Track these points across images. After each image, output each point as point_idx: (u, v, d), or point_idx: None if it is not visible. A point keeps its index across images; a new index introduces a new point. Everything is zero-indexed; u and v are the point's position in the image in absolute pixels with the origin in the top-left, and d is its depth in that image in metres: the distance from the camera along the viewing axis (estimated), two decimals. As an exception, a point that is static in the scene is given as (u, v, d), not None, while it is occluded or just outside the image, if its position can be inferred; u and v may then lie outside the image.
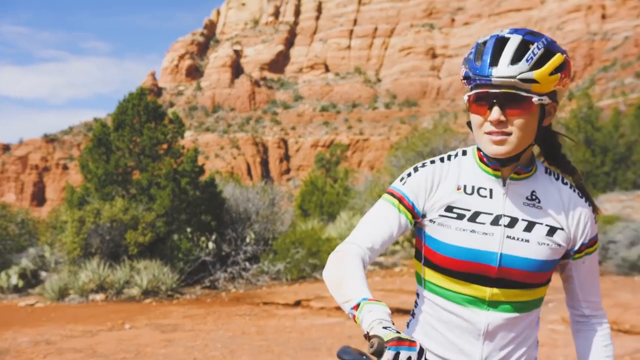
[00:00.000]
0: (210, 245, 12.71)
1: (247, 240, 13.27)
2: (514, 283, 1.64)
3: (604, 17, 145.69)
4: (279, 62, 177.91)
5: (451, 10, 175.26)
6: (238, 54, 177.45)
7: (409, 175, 1.73)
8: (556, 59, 1.56)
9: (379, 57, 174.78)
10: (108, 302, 11.06)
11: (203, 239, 12.78)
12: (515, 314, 1.66)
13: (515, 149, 1.59)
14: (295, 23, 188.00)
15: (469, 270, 1.64)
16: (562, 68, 1.58)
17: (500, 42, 1.57)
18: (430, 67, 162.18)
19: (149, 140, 13.25)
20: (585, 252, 1.72)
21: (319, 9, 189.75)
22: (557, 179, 1.74)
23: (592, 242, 1.73)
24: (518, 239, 1.63)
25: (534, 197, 1.68)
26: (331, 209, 20.90)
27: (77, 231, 12.04)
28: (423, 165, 1.74)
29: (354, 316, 1.47)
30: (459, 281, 1.66)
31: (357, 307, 1.46)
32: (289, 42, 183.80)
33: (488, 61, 1.55)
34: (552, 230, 1.66)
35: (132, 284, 11.55)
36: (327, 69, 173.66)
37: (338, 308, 9.17)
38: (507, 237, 1.63)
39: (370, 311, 1.42)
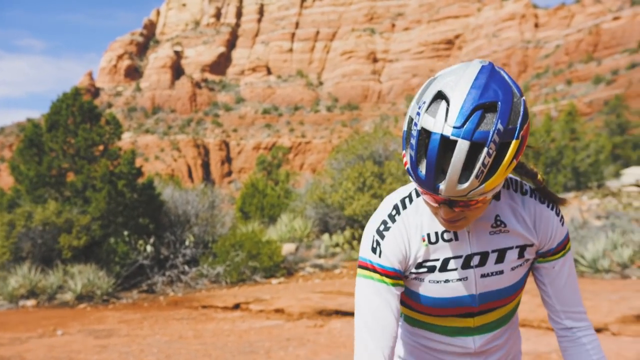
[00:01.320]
0: (148, 248, 12.47)
1: (187, 243, 13.09)
2: (494, 309, 1.65)
3: (537, 25, 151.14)
4: (220, 64, 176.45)
5: (392, 15, 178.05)
6: (178, 55, 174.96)
7: (378, 243, 1.58)
8: (511, 151, 1.33)
9: (320, 61, 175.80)
10: (39, 308, 10.70)
11: (141, 242, 12.53)
12: (500, 328, 1.69)
13: (471, 222, 1.51)
14: (237, 25, 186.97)
15: (449, 314, 1.63)
16: (519, 151, 1.36)
17: (444, 148, 1.31)
18: (371, 71, 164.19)
19: (84, 141, 12.90)
20: (552, 258, 1.63)
21: (261, 11, 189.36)
22: (515, 190, 1.61)
23: (559, 248, 1.63)
24: (492, 273, 1.57)
25: (498, 222, 1.57)
26: (272, 211, 20.86)
27: (7, 235, 11.60)
28: (386, 228, 1.59)
29: None
30: (442, 318, 1.65)
31: None
32: (231, 43, 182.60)
33: (432, 176, 1.33)
34: (522, 250, 1.59)
35: (65, 289, 11.21)
36: (269, 72, 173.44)
37: (277, 310, 9.16)
38: (481, 276, 1.58)
39: None
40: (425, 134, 1.33)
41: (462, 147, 1.28)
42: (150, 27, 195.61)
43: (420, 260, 1.58)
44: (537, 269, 1.66)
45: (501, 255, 1.57)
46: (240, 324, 8.53)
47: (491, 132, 1.28)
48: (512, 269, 1.58)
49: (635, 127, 44.48)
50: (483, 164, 1.29)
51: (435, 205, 1.43)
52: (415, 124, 1.35)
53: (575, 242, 11.74)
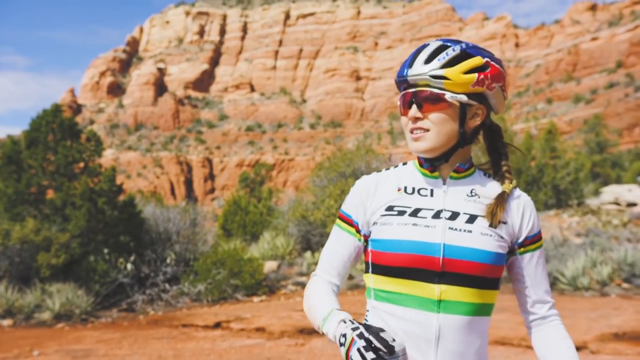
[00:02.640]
0: (129, 266, 12.34)
1: (168, 261, 12.98)
2: (461, 277, 1.62)
3: (517, 45, 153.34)
4: (203, 81, 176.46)
5: (374, 34, 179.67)
6: (162, 72, 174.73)
7: (350, 192, 1.81)
8: (473, 60, 1.65)
9: (304, 78, 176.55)
10: (16, 328, 10.52)
11: (121, 260, 12.40)
12: (466, 317, 1.62)
13: (434, 145, 1.66)
14: (221, 42, 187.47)
15: (414, 265, 1.62)
16: (481, 69, 1.65)
17: (422, 48, 1.69)
18: (354, 88, 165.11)
19: (63, 158, 12.79)
20: (531, 248, 1.74)
21: (245, 29, 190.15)
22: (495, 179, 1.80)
23: (537, 237, 1.75)
24: (460, 230, 1.65)
25: (474, 193, 1.72)
26: (254, 229, 20.77)
27: (-16, 253, 11.41)
28: (361, 179, 1.82)
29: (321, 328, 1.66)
30: (406, 281, 1.63)
31: (322, 323, 1.65)
32: (214, 61, 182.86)
33: (407, 64, 1.67)
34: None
35: (43, 308, 11.04)
36: (252, 89, 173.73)
37: (258, 329, 9.11)
38: (449, 228, 1.65)
39: (331, 322, 1.61)
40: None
41: (434, 44, 1.69)
42: (134, 44, 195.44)
43: (391, 204, 1.72)
44: (518, 260, 1.75)
45: (472, 218, 1.68)
46: (221, 343, 8.45)
47: (459, 43, 1.68)
48: (482, 234, 1.66)
49: (614, 145, 45.13)
50: (447, 53, 1.64)
51: (407, 113, 1.69)
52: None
53: (555, 259, 11.83)
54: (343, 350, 1.50)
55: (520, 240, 1.73)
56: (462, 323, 1.62)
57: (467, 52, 1.66)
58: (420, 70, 1.64)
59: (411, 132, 1.68)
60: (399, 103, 1.74)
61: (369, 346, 1.45)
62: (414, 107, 1.66)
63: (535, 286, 1.76)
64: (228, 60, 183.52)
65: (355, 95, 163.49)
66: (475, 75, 1.64)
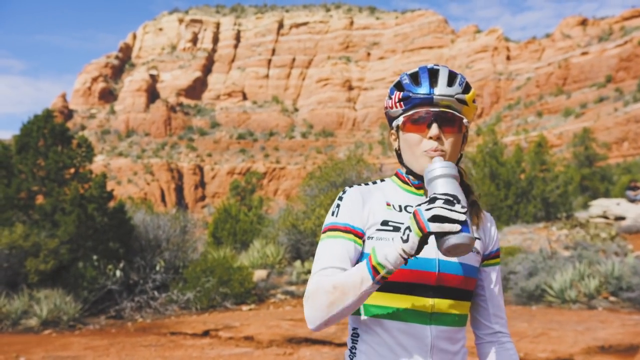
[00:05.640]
0: (118, 273, 12.29)
1: (157, 268, 12.94)
2: (451, 291, 1.69)
3: (508, 58, 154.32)
4: (196, 89, 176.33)
5: (367, 44, 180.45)
6: (154, 78, 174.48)
7: (338, 206, 1.75)
8: (473, 92, 1.75)
9: (296, 87, 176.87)
10: (2, 334, 10.44)
11: (110, 266, 12.35)
12: (453, 327, 1.70)
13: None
14: (214, 50, 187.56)
15: (412, 280, 1.67)
16: (474, 102, 1.76)
17: (433, 71, 1.72)
18: (346, 98, 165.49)
19: (54, 164, 12.76)
20: (493, 262, 1.83)
21: (238, 38, 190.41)
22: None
23: (498, 252, 1.85)
24: None
25: None
26: (244, 237, 20.75)
27: (-28, 258, 11.34)
28: (344, 192, 1.77)
29: (377, 274, 1.52)
30: (401, 295, 1.67)
31: (374, 270, 1.52)
32: (207, 68, 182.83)
33: (428, 83, 1.69)
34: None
35: (30, 314, 10.98)
36: (244, 97, 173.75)
37: (246, 338, 9.09)
38: None
39: (385, 247, 1.55)
40: (415, 74, 1.74)
41: (445, 69, 1.72)
42: (126, 50, 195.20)
43: (385, 218, 1.72)
44: (480, 272, 1.82)
45: None
46: (209, 351, 8.44)
47: (460, 73, 1.74)
48: None
49: (603, 159, 45.41)
50: (462, 79, 1.72)
51: (422, 131, 1.68)
52: (406, 76, 1.75)
53: (543, 272, 11.89)
54: (413, 232, 1.48)
55: (486, 253, 1.83)
56: (450, 333, 1.70)
57: (468, 85, 1.75)
58: (447, 91, 1.69)
59: (427, 151, 1.68)
60: (402, 120, 1.72)
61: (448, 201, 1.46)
62: (436, 126, 1.67)
63: (493, 299, 1.82)
64: (221, 68, 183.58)
65: (347, 105, 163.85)
66: (476, 105, 1.76)
